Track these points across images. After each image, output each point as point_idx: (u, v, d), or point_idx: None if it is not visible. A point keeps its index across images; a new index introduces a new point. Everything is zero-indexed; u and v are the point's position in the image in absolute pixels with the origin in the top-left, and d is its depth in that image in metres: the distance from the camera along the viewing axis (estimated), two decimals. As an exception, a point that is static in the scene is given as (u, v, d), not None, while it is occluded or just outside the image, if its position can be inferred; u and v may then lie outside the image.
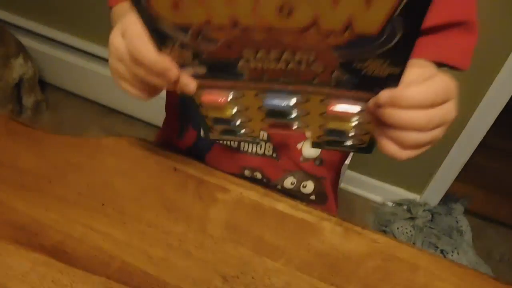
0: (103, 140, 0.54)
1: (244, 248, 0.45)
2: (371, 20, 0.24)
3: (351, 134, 0.35)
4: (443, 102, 0.31)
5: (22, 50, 1.47)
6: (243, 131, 0.37)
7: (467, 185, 1.41)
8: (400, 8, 0.23)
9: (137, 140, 0.54)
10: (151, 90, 0.36)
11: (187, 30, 0.28)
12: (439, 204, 1.38)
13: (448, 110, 0.31)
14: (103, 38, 1.54)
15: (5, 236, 0.44)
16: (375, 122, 0.32)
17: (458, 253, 1.25)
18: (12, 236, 0.44)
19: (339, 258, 0.45)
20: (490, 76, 1.15)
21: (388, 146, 0.32)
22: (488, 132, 1.28)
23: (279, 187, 0.56)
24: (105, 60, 1.59)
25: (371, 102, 0.30)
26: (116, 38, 0.34)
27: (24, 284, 0.41)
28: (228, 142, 0.53)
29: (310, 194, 0.58)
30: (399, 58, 0.27)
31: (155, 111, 1.37)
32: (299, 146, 0.53)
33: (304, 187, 0.57)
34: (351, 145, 0.36)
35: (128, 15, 0.32)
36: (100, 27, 1.54)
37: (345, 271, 0.44)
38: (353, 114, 0.32)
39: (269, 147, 0.53)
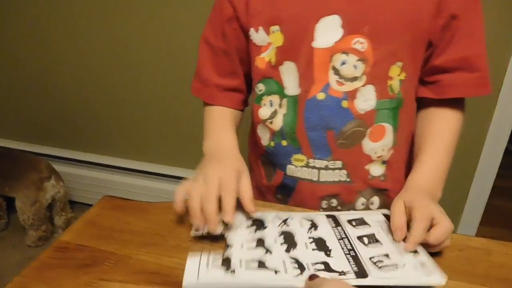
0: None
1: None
2: None
3: None
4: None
5: (53, 172, 1.57)
6: None
7: (492, 228, 1.47)
8: None
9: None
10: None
11: None
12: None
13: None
14: (118, 151, 1.68)
15: (143, 281, 0.50)
16: None
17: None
18: (149, 280, 0.50)
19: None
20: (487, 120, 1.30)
21: None
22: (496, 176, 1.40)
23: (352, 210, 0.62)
24: (124, 169, 1.70)
25: None
26: (213, 182, 0.51)
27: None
28: (310, 177, 0.62)
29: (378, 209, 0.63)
30: None
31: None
32: (367, 167, 0.61)
33: (372, 204, 0.63)
34: None
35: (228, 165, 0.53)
36: (112, 143, 1.68)
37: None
38: None
39: (343, 173, 0.61)
